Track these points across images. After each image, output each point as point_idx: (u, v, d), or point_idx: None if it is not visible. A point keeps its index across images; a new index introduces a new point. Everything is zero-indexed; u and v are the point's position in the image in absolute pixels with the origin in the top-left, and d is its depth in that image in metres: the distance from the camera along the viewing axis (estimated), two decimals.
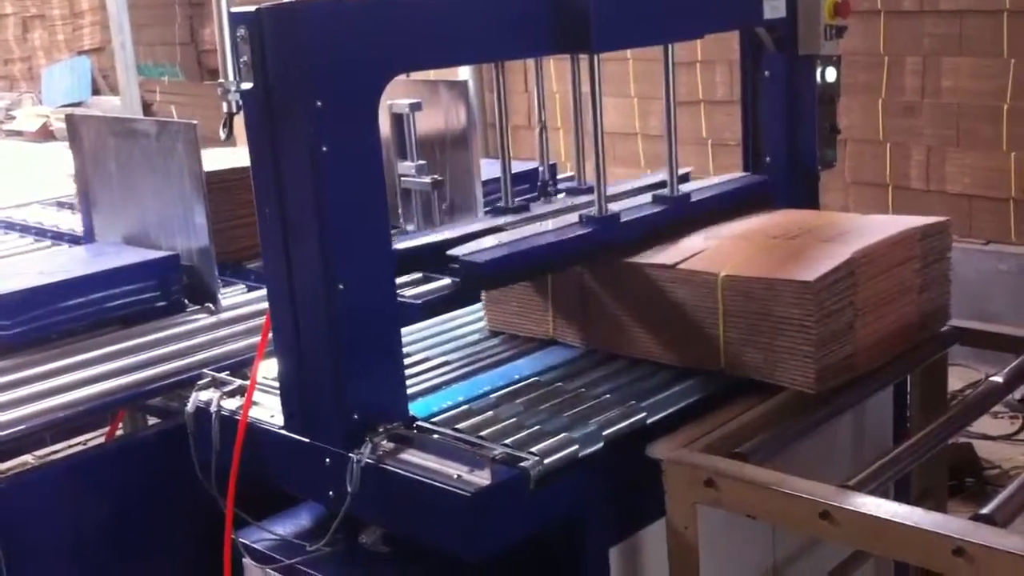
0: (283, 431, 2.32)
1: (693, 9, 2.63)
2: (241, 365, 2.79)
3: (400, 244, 2.49)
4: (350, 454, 2.14)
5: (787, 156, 3.14)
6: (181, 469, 2.51)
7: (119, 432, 3.26)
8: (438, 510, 2.03)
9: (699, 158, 6.65)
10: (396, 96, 3.44)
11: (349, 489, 2.13)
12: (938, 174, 5.62)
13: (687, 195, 2.75)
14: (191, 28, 12.47)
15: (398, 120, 3.46)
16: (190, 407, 2.49)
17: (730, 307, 2.35)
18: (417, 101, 3.45)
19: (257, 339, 2.99)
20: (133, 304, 3.21)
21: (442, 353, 2.72)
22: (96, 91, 13.35)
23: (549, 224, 2.59)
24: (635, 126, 6.89)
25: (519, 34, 2.35)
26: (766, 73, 3.10)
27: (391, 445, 2.17)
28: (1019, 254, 5.34)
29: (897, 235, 2.51)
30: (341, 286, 2.13)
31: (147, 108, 11.12)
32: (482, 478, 2.01)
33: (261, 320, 3.15)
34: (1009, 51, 5.26)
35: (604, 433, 2.22)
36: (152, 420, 3.19)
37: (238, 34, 2.08)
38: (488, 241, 2.47)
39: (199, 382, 2.55)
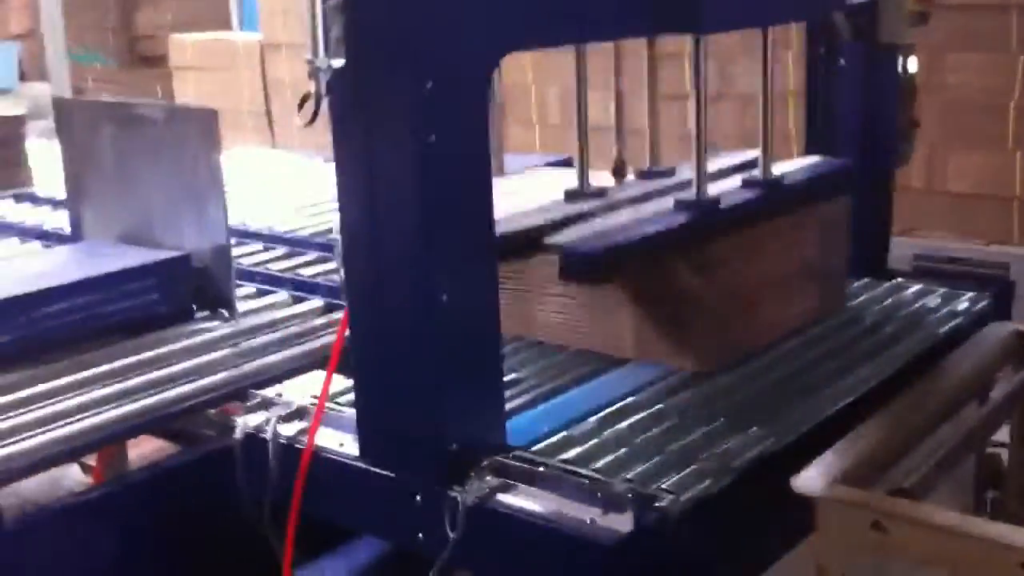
0: (358, 463, 2.02)
1: None
2: (268, 383, 2.48)
3: None
4: (451, 492, 1.85)
5: (860, 151, 2.92)
6: (208, 503, 2.21)
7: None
8: (567, 560, 1.75)
9: (682, 155, 6.44)
10: None
11: (451, 534, 1.84)
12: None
13: (780, 178, 2.50)
14: (123, 13, 11.94)
15: None
16: (239, 433, 2.17)
17: None
18: None
19: (287, 352, 2.73)
20: (133, 312, 2.86)
21: (509, 369, 2.43)
22: (23, 77, 12.72)
23: (646, 210, 2.31)
24: (612, 121, 6.65)
25: (629, 13, 2.09)
26: (841, 62, 2.88)
27: (497, 481, 1.88)
28: None
29: None
30: (444, 297, 1.83)
31: (78, 95, 10.61)
32: (622, 523, 1.74)
33: (286, 330, 2.86)
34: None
35: (733, 464, 1.96)
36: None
37: (329, 2, 1.77)
38: (583, 228, 2.18)
39: (248, 403, 2.23)
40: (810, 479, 1.87)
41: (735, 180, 2.52)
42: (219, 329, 2.85)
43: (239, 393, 2.54)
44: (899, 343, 2.49)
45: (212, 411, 2.55)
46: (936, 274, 2.96)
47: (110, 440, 2.45)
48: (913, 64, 2.87)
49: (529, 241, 2.18)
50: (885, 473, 1.97)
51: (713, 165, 2.52)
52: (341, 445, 2.07)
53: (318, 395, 2.23)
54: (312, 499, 2.06)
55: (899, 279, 2.95)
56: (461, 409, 1.90)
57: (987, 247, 5.39)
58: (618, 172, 2.62)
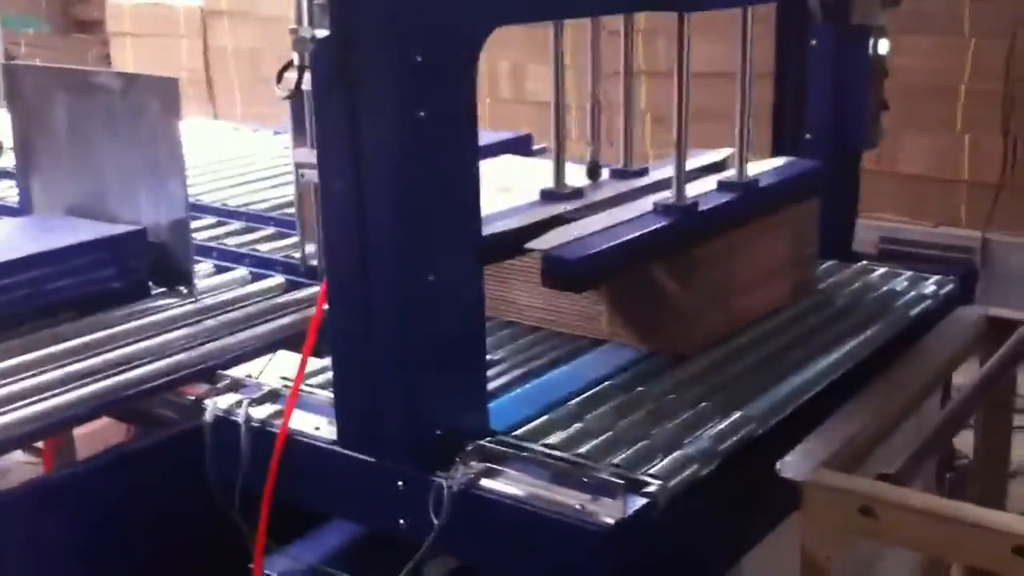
0: (336, 447, 1.96)
1: None
2: (232, 363, 2.41)
3: None
4: (436, 478, 1.81)
5: (830, 133, 2.91)
6: (175, 487, 2.14)
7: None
8: (556, 546, 1.72)
9: (635, 130, 6.41)
10: None
11: (435, 520, 1.80)
12: None
13: (755, 181, 2.48)
14: None
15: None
16: (209, 416, 2.10)
17: None
18: None
19: (251, 331, 2.65)
20: (87, 288, 2.75)
21: None
22: None
23: (624, 213, 2.28)
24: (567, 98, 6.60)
25: None
26: (812, 43, 2.87)
27: (482, 466, 1.84)
28: None
29: None
30: (431, 277, 1.78)
31: (10, 60, 10.30)
32: (612, 510, 1.71)
33: (248, 309, 2.78)
34: None
35: (720, 449, 1.94)
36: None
37: None
38: (564, 233, 2.14)
39: (217, 385, 2.16)
40: (796, 464, 1.86)
41: (710, 182, 2.49)
42: (178, 307, 2.75)
43: (203, 373, 2.47)
44: (871, 326, 2.49)
45: (173, 392, 2.49)
46: (901, 257, 2.98)
47: (69, 423, 2.37)
48: (884, 46, 2.86)
49: (509, 246, 2.13)
50: (866, 458, 1.97)
51: (687, 165, 2.50)
52: (317, 429, 2.01)
53: (289, 376, 2.18)
54: (286, 484, 2.00)
55: (864, 262, 2.95)
56: (446, 393, 1.86)
57: (935, 229, 5.46)
58: (592, 172, 2.58)
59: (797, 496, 1.84)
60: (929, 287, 2.75)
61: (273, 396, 2.11)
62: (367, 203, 1.78)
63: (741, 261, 2.39)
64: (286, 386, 2.10)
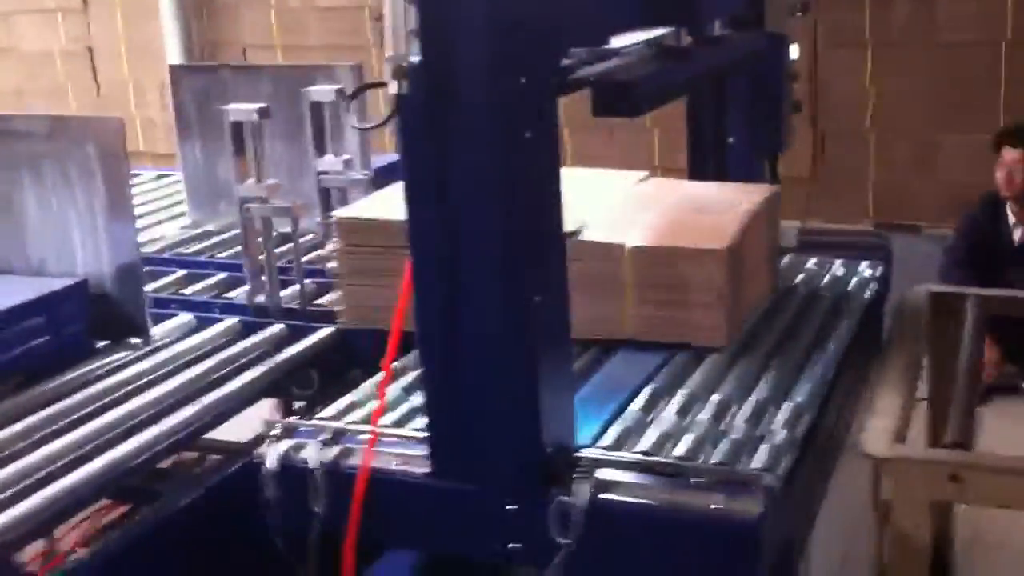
0: (431, 480, 1.90)
1: None
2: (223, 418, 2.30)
3: None
4: (558, 497, 1.80)
5: (750, 136, 3.07)
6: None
7: None
8: (704, 547, 1.76)
9: None
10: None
11: (560, 540, 1.79)
12: None
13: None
14: None
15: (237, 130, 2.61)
16: (271, 464, 1.98)
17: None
18: (264, 106, 2.59)
19: (238, 380, 2.50)
20: (26, 353, 2.49)
21: None
22: None
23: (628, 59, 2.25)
24: None
25: (641, 11, 2.11)
26: None
27: (595, 479, 1.84)
28: None
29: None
30: (538, 298, 1.77)
31: None
32: (751, 504, 1.76)
33: (217, 357, 2.59)
34: None
35: (796, 436, 2.03)
36: None
37: None
38: (606, 64, 2.11)
39: (271, 432, 2.03)
40: (878, 442, 1.97)
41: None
42: (136, 363, 2.55)
43: (199, 433, 2.32)
44: (844, 310, 2.66)
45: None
46: (818, 246, 3.18)
47: (71, 510, 2.11)
48: (795, 51, 3.05)
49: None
50: (908, 429, 2.12)
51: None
52: (397, 464, 1.94)
53: (327, 415, 2.10)
54: (370, 526, 1.92)
55: (790, 255, 3.13)
56: (548, 410, 1.85)
57: None
58: None
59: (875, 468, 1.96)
60: (865, 272, 2.96)
61: (339, 437, 2.01)
62: (467, 228, 1.75)
63: (747, 248, 2.48)
64: (350, 424, 2.02)
